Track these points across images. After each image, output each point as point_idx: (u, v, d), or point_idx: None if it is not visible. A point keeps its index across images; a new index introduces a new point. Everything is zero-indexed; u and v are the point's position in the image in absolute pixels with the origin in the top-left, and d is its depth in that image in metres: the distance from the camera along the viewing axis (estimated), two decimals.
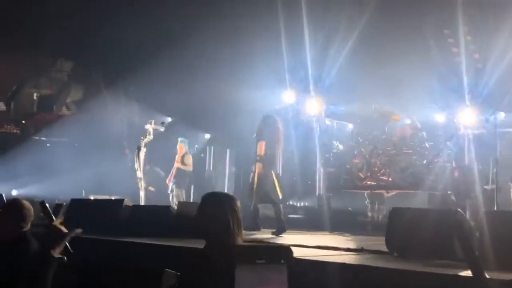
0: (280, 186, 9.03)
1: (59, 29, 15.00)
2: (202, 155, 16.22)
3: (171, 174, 13.13)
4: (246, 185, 13.85)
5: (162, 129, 12.58)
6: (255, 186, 8.95)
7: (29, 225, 4.47)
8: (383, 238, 5.67)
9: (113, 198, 12.32)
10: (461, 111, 10.37)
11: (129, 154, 15.01)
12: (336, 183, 11.97)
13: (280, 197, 8.99)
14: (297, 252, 5.52)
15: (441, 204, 9.62)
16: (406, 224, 5.47)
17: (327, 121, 13.10)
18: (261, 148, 8.91)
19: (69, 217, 8.38)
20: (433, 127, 11.27)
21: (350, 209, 11.94)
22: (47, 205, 4.80)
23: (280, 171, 9.53)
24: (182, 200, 12.29)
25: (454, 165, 9.75)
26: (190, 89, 14.06)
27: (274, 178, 8.94)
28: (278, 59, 12.64)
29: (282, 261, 3.10)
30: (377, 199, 11.36)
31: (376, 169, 11.36)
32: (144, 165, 12.13)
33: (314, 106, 12.47)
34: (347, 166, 11.98)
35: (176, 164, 13.12)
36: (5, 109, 18.05)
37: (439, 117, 11.27)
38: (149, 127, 12.24)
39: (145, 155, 12.01)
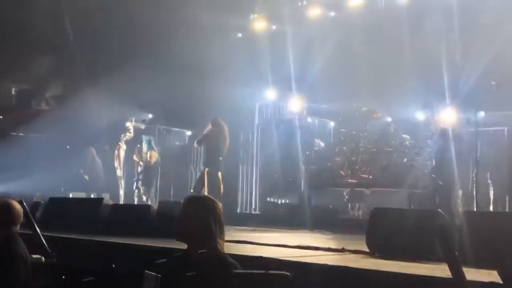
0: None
1: (38, 24, 14.79)
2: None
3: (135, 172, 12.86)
4: (226, 183, 13.89)
5: (143, 126, 12.48)
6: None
7: (18, 227, 4.40)
8: (364, 237, 5.68)
9: (92, 196, 12.20)
10: (442, 110, 10.43)
11: (109, 150, 14.86)
12: (317, 181, 12.01)
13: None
14: (279, 252, 5.52)
15: (421, 202, 9.68)
16: (387, 224, 5.49)
17: (309, 119, 13.12)
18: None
19: (47, 215, 8.33)
20: (414, 125, 11.33)
21: (330, 206, 11.97)
22: (25, 204, 4.73)
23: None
24: (147, 198, 12.16)
25: (434, 164, 9.80)
26: (171, 86, 13.96)
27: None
28: (261, 57, 12.62)
29: None
30: (357, 197, 11.41)
31: (357, 167, 11.42)
32: (124, 163, 12.03)
33: (296, 104, 12.48)
34: (328, 164, 12.03)
35: (138, 161, 12.83)
36: None
37: (420, 116, 11.33)
38: (130, 124, 12.14)
39: (126, 153, 11.91)
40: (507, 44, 9.90)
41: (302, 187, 12.09)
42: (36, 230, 5.00)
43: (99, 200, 8.56)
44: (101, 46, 14.77)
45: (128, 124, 12.13)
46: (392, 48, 11.37)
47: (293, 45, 12.37)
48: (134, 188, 12.79)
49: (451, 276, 2.69)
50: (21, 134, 16.54)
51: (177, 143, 15.79)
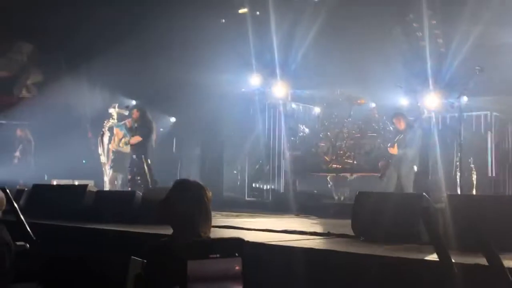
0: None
1: (18, 10, 14.55)
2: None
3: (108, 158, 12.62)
4: (211, 169, 13.85)
5: (126, 112, 12.33)
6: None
7: (1, 214, 4.35)
8: (349, 221, 5.71)
9: (76, 183, 12.09)
10: (425, 95, 10.49)
11: (92, 138, 14.73)
12: (302, 166, 12.06)
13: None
14: (264, 237, 5.53)
15: (404, 187, 9.74)
16: (372, 208, 5.52)
17: (293, 105, 13.13)
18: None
19: (31, 203, 8.25)
20: (398, 110, 11.37)
21: (315, 191, 12.03)
22: (8, 191, 4.68)
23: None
24: (116, 185, 12.02)
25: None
26: (154, 73, 13.86)
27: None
28: (244, 42, 12.55)
29: (237, 254, 3.03)
30: (340, 182, 11.48)
31: (341, 152, 11.48)
32: (108, 149, 11.91)
33: (280, 90, 12.46)
34: (313, 150, 12.08)
35: (112, 147, 12.56)
36: None
37: (404, 101, 11.38)
38: (113, 110, 12.02)
39: (109, 139, 11.79)
40: (490, 27, 9.94)
41: (287, 173, 12.14)
42: (20, 217, 4.96)
43: (83, 186, 8.47)
44: (81, 32, 14.58)
45: (111, 110, 11.99)
46: (376, 33, 11.37)
47: (276, 31, 12.31)
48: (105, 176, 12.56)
49: (437, 259, 2.70)
50: (2, 121, 16.35)
51: (161, 129, 15.70)
